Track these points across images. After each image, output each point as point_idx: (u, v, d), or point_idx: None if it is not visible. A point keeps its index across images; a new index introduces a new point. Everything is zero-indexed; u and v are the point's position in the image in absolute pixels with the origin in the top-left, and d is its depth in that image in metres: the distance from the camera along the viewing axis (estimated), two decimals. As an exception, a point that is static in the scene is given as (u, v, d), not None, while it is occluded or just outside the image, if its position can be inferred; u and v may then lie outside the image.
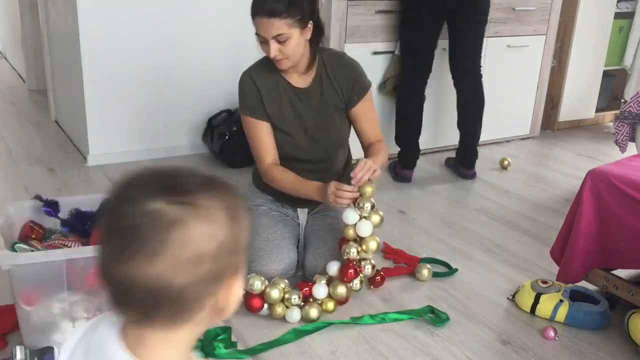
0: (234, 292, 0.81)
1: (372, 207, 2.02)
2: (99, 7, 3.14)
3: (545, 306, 2.07)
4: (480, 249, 2.57)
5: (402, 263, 2.41)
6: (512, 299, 2.19)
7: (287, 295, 1.99)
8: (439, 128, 3.67)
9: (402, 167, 3.30)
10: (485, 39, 3.42)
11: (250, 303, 1.99)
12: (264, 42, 1.97)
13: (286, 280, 2.04)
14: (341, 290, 2.03)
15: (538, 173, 3.55)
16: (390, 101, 3.42)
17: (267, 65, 2.12)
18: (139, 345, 0.79)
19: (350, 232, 2.05)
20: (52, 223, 1.94)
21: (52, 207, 1.93)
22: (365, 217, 2.03)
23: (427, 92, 3.65)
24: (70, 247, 1.79)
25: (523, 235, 2.74)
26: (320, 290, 2.03)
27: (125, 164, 3.36)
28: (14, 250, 1.73)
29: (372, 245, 2.06)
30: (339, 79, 2.14)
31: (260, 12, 1.92)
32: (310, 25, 2.00)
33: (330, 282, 2.06)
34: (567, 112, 4.31)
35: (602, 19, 4.17)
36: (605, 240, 2.06)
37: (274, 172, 2.11)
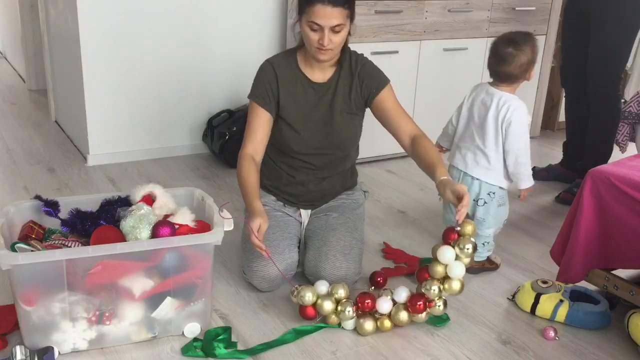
0: (531, 74, 2.26)
1: (475, 248, 1.91)
2: (99, 7, 3.14)
3: (545, 306, 2.07)
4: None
5: (402, 263, 2.41)
6: (512, 299, 2.19)
7: (340, 308, 1.93)
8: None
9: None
10: (485, 39, 3.42)
11: (305, 313, 1.97)
12: (316, 30, 2.00)
13: (343, 289, 1.97)
14: (403, 316, 1.95)
15: (538, 173, 3.54)
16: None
17: (287, 59, 2.17)
18: (497, 88, 2.26)
19: (439, 270, 1.93)
20: (52, 223, 1.94)
21: (52, 207, 1.93)
22: (461, 259, 1.91)
23: (430, 93, 3.67)
24: (70, 247, 1.79)
25: (523, 235, 2.74)
26: (384, 305, 1.95)
27: (125, 164, 3.37)
28: (14, 250, 1.73)
29: (456, 286, 1.94)
30: (362, 74, 2.16)
31: (325, 0, 1.96)
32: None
33: (394, 303, 1.98)
34: (567, 112, 4.30)
35: (602, 19, 4.16)
36: (605, 240, 2.06)
37: (244, 163, 2.09)
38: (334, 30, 1.98)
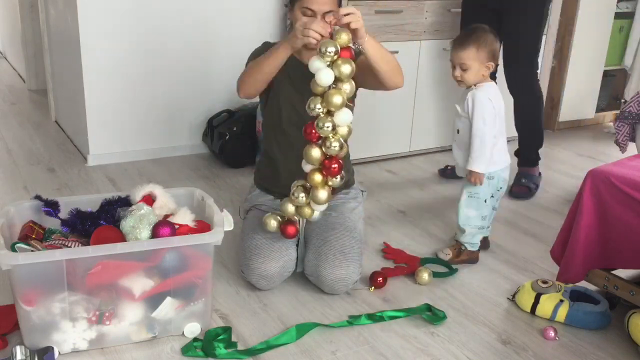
0: (496, 56, 2.32)
1: (337, 53, 1.79)
2: (99, 7, 3.14)
3: (545, 306, 2.07)
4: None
5: (402, 263, 2.41)
6: (512, 299, 2.19)
7: (294, 196, 2.00)
8: (440, 128, 3.68)
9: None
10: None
11: (286, 231, 2.07)
12: (310, 16, 2.08)
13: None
14: (315, 153, 1.90)
15: (538, 173, 3.54)
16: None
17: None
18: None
19: (314, 84, 1.84)
20: (52, 223, 1.94)
21: (52, 207, 1.93)
22: (329, 65, 1.80)
23: (430, 93, 3.66)
24: (70, 247, 1.79)
25: (523, 235, 2.74)
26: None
27: (125, 164, 3.37)
28: (14, 250, 1.73)
29: (336, 99, 1.79)
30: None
31: None
32: None
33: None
34: (567, 112, 4.30)
35: (602, 19, 4.17)
36: (606, 240, 2.06)
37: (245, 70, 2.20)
38: (324, 15, 2.06)
